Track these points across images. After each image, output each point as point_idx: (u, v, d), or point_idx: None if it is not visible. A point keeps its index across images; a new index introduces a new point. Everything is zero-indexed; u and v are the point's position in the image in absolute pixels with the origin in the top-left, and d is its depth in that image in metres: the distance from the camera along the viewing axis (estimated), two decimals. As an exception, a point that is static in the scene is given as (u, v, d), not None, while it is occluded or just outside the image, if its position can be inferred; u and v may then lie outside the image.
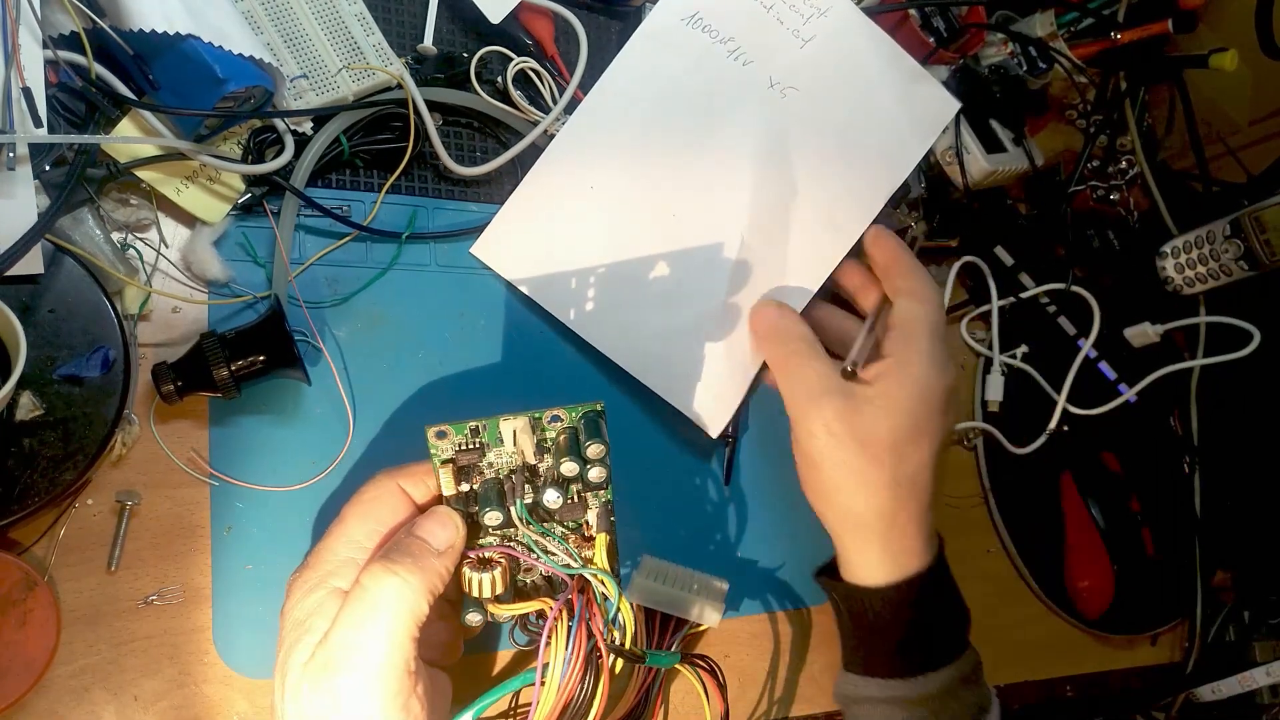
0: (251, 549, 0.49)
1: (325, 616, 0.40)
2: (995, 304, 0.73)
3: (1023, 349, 0.73)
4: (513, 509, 0.43)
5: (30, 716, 0.43)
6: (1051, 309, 0.75)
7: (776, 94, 0.62)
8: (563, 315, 0.59)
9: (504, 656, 0.55)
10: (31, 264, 0.44)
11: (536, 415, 0.44)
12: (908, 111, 0.65)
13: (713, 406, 0.60)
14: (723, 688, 0.53)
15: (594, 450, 0.43)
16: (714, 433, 0.60)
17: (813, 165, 0.63)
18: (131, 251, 0.49)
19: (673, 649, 0.53)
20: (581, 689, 0.42)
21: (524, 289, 0.58)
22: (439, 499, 0.45)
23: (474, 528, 0.44)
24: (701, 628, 0.54)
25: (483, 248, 0.58)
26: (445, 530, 0.42)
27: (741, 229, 0.61)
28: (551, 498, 0.43)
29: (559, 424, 0.44)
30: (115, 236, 0.49)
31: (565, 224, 0.59)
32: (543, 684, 0.41)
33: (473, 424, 0.43)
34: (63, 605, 0.45)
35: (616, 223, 0.59)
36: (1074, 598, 0.73)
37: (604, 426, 0.44)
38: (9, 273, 0.42)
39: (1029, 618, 0.72)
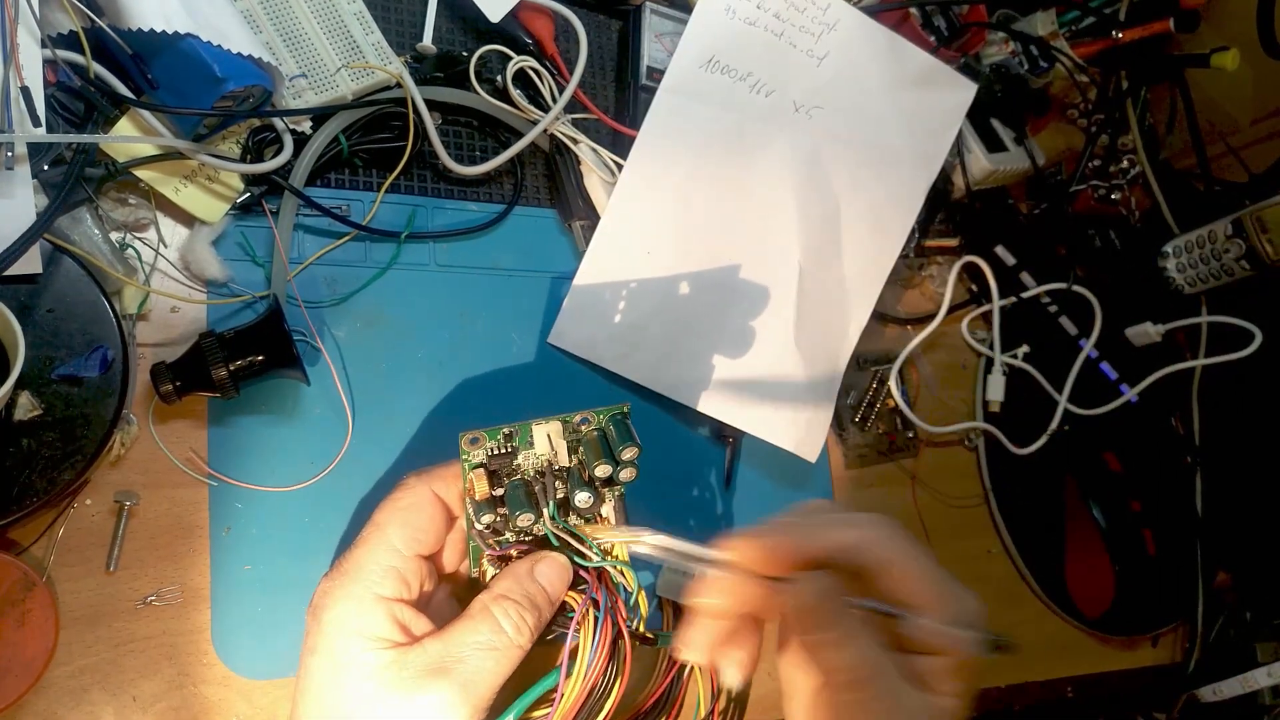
0: (250, 549, 0.49)
1: (383, 624, 0.40)
2: (996, 304, 0.72)
3: (1024, 349, 0.73)
4: (545, 510, 0.44)
5: (29, 717, 0.43)
6: (1053, 309, 0.75)
7: (803, 116, 0.63)
8: (650, 383, 0.59)
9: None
10: (30, 264, 0.44)
11: (567, 418, 0.45)
12: (929, 104, 0.67)
13: (804, 434, 0.62)
14: None
15: (629, 453, 0.44)
16: (812, 459, 0.62)
17: (850, 176, 0.65)
18: (130, 251, 0.49)
19: None
20: (604, 679, 0.43)
21: (607, 366, 0.59)
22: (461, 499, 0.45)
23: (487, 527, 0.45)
24: None
25: (559, 336, 0.59)
26: (562, 582, 0.44)
27: (797, 256, 0.62)
28: (583, 499, 0.44)
29: (587, 425, 0.45)
30: (114, 236, 0.49)
31: (631, 294, 0.59)
32: (568, 674, 0.42)
33: (505, 429, 0.44)
34: (61, 606, 0.45)
35: (679, 281, 0.60)
36: (1075, 598, 0.73)
37: (633, 428, 0.45)
38: (7, 272, 0.42)
39: (1030, 618, 0.72)
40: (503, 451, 0.44)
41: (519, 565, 0.44)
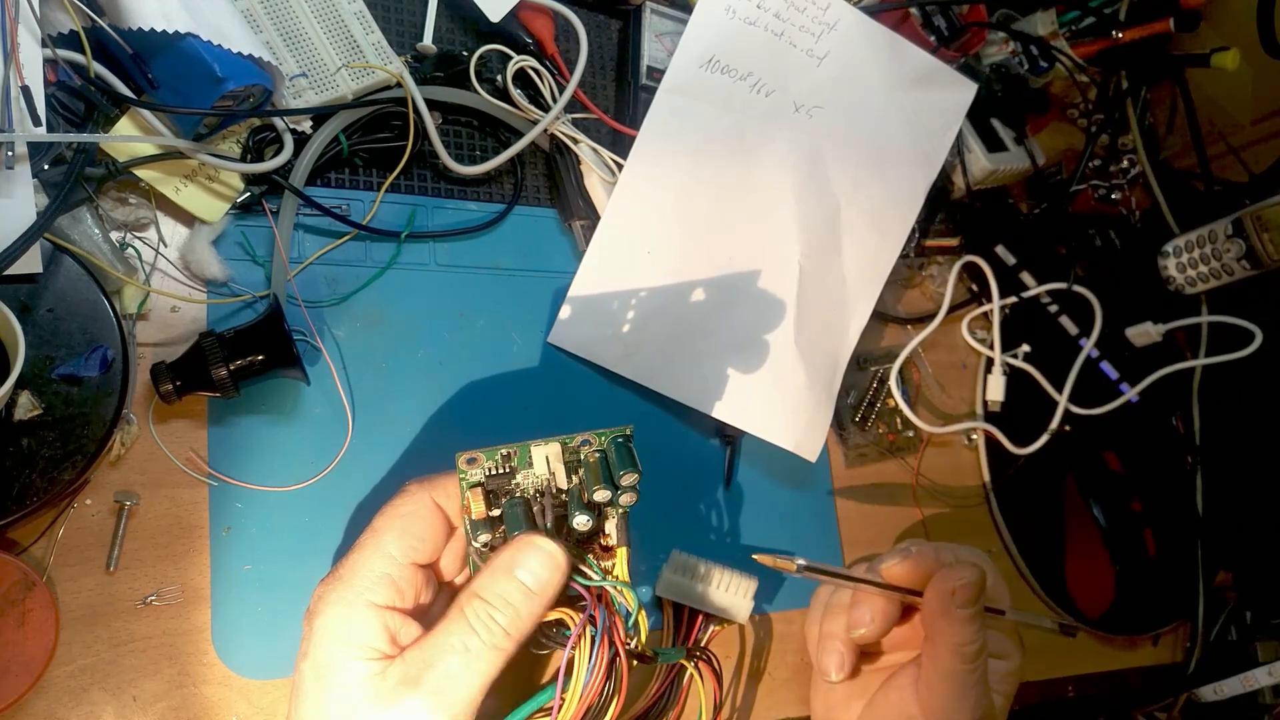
0: (250, 549, 0.49)
1: (373, 633, 0.40)
2: (996, 303, 0.72)
3: (1024, 348, 0.73)
4: (543, 530, 0.44)
5: (29, 717, 0.43)
6: (1053, 308, 0.75)
7: (804, 116, 0.63)
8: (650, 383, 0.59)
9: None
10: (30, 263, 0.44)
11: (567, 440, 0.44)
12: (929, 104, 0.67)
13: (804, 433, 0.62)
14: (718, 675, 0.53)
15: (629, 479, 0.43)
16: (812, 458, 0.62)
17: (851, 176, 0.65)
18: (130, 251, 0.49)
19: (704, 643, 0.54)
20: (600, 699, 0.43)
21: (607, 366, 0.59)
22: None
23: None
24: (729, 624, 0.55)
25: (559, 336, 0.58)
26: (549, 572, 0.41)
27: (797, 256, 0.62)
28: (582, 521, 0.43)
29: (588, 448, 0.44)
30: (114, 236, 0.49)
31: (631, 294, 0.59)
32: (564, 692, 0.42)
33: (504, 450, 0.43)
34: (61, 605, 0.45)
35: (680, 281, 0.60)
36: (1075, 598, 0.73)
37: (634, 452, 0.44)
38: (8, 272, 0.42)
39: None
40: (501, 471, 0.43)
41: (498, 557, 0.41)
